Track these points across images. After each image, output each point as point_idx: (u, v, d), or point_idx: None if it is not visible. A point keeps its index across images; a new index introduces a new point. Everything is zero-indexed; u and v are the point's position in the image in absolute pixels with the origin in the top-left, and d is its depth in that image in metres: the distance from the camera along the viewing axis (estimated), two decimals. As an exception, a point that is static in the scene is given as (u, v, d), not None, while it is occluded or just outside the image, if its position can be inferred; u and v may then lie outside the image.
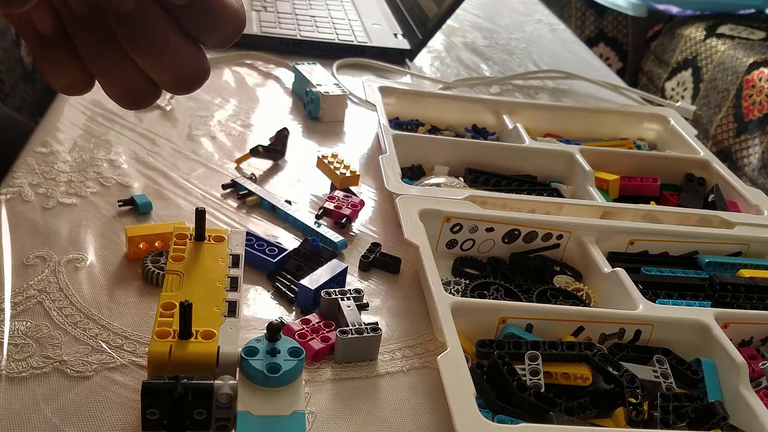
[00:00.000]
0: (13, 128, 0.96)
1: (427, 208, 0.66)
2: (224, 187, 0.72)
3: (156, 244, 0.60)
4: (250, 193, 0.71)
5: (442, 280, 0.58)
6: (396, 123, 0.87)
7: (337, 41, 1.07)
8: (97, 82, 0.34)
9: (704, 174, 0.84)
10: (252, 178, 0.74)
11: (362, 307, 0.57)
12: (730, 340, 0.57)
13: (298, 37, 1.05)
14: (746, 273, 0.67)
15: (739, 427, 0.53)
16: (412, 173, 0.78)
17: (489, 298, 0.61)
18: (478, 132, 0.89)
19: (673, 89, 2.09)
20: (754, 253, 0.71)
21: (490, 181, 0.77)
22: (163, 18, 0.31)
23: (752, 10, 2.15)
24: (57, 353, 0.50)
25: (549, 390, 0.51)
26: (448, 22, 1.15)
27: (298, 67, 0.93)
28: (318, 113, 0.88)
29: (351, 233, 0.69)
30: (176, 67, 0.32)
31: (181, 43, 0.32)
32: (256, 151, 0.77)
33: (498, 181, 0.77)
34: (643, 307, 0.59)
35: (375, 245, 0.66)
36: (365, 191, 0.76)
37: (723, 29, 2.03)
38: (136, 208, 0.66)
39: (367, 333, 0.53)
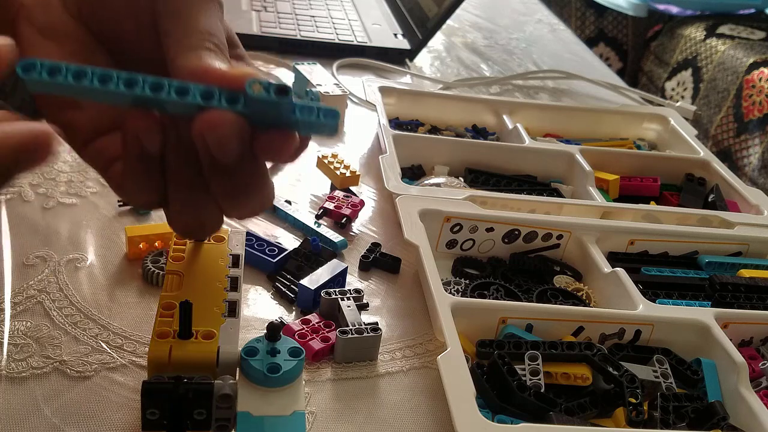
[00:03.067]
0: (13, 128, 0.95)
1: (427, 208, 0.66)
2: (224, 187, 0.72)
3: (156, 244, 0.60)
4: (250, 193, 0.70)
5: (442, 280, 0.58)
6: (396, 123, 0.87)
7: (337, 41, 1.07)
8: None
9: (704, 174, 0.84)
10: (252, 178, 0.74)
11: (362, 307, 0.57)
12: (730, 340, 0.57)
13: (298, 37, 1.05)
14: (746, 273, 0.67)
15: (739, 427, 0.53)
16: (412, 173, 0.78)
17: (489, 298, 0.61)
18: (478, 132, 0.89)
19: (673, 89, 2.10)
20: (754, 253, 0.71)
21: (490, 181, 0.77)
22: (256, 168, 0.32)
23: (752, 10, 2.16)
24: (57, 353, 0.50)
25: (549, 390, 0.51)
26: (448, 22, 1.15)
27: (298, 67, 0.93)
28: (318, 113, 0.88)
29: (351, 233, 0.69)
30: (255, 206, 0.35)
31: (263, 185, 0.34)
32: (256, 151, 0.77)
33: (498, 181, 0.77)
34: (643, 307, 0.59)
35: (375, 245, 0.66)
36: (365, 191, 0.76)
37: (723, 29, 2.03)
38: (136, 208, 0.66)
39: (367, 333, 0.53)
